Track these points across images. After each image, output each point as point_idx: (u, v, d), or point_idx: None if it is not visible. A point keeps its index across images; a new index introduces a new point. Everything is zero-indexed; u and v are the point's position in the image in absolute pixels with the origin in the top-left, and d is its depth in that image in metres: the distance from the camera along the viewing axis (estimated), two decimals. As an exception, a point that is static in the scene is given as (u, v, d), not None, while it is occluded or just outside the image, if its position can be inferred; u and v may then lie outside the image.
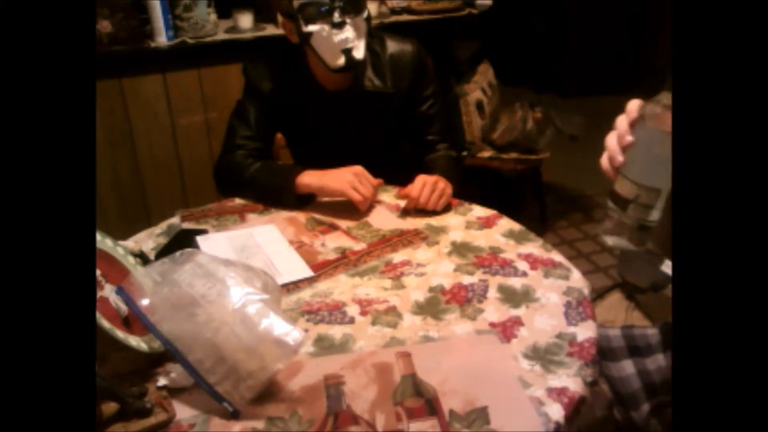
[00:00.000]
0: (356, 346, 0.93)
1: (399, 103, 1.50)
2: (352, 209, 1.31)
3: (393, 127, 1.54)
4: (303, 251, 1.19)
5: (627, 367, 1.10)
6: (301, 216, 1.33)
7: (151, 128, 2.31)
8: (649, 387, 1.07)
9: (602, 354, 1.13)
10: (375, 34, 1.49)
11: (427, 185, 1.31)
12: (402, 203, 1.35)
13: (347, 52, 1.35)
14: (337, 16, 1.32)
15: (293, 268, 1.14)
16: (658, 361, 1.07)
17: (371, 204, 1.35)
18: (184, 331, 0.83)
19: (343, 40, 1.34)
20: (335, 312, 1.01)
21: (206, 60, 2.30)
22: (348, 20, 1.33)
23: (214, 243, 1.21)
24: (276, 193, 1.37)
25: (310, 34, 1.34)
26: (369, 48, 1.43)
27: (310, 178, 1.33)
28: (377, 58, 1.48)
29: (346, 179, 1.30)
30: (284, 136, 1.62)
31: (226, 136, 1.51)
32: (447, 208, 1.34)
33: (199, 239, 1.22)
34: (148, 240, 1.26)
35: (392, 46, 1.49)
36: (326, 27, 1.33)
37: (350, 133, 1.50)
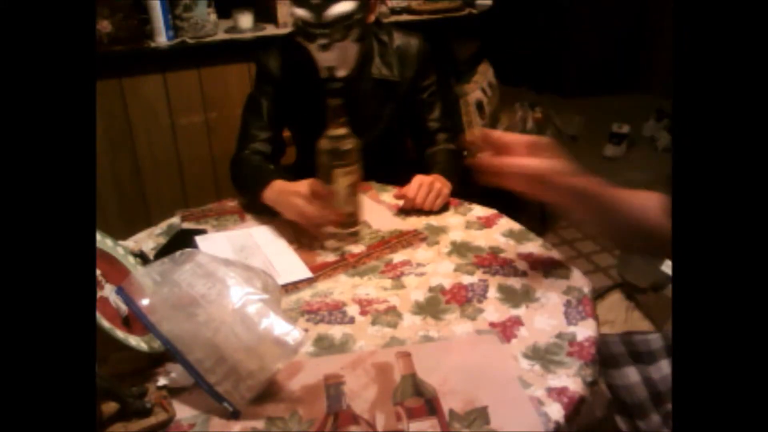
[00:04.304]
0: (356, 346, 0.93)
1: (404, 92, 1.52)
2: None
3: (398, 116, 1.55)
4: (302, 252, 1.19)
5: (631, 374, 1.09)
6: (301, 216, 1.33)
7: (151, 128, 2.30)
8: (656, 396, 1.06)
9: (603, 361, 1.13)
10: (383, 26, 1.53)
11: (423, 186, 1.31)
12: (401, 203, 1.35)
13: (330, 69, 1.39)
14: (322, 41, 1.34)
15: (292, 269, 1.14)
16: (662, 369, 1.06)
17: (370, 205, 1.35)
18: (184, 331, 0.83)
19: (327, 61, 1.38)
20: (335, 312, 1.01)
21: (206, 60, 2.30)
22: (333, 44, 1.35)
23: (213, 243, 1.21)
24: (255, 200, 1.33)
25: (303, 45, 1.38)
26: (377, 38, 1.49)
27: (270, 195, 1.27)
28: (384, 48, 1.50)
29: (295, 209, 1.20)
30: (291, 128, 1.62)
31: (240, 130, 1.51)
32: (444, 208, 1.34)
33: (198, 239, 1.22)
34: (148, 240, 1.26)
35: (399, 37, 1.52)
36: (313, 46, 1.37)
37: (356, 123, 1.50)
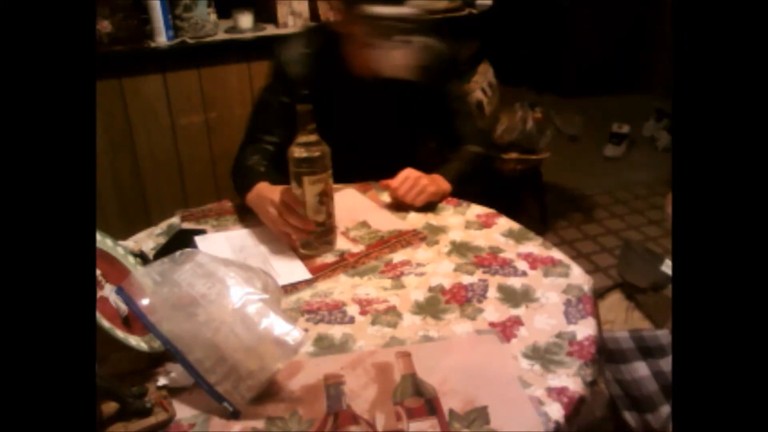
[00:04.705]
0: (356, 345, 0.93)
1: (425, 96, 1.48)
2: (349, 210, 1.31)
3: (416, 120, 1.51)
4: (301, 252, 1.19)
5: (640, 368, 1.09)
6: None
7: (151, 128, 2.30)
8: (667, 388, 1.06)
9: (611, 357, 1.12)
10: None
11: (408, 179, 1.32)
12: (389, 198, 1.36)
13: (404, 69, 1.33)
14: (400, 38, 1.27)
15: (292, 269, 1.14)
16: None
17: (370, 205, 1.34)
18: (184, 331, 0.83)
19: (396, 58, 1.31)
20: (335, 312, 1.01)
21: (206, 60, 2.30)
22: (408, 42, 1.29)
23: (213, 243, 1.21)
24: (242, 202, 1.33)
25: (369, 44, 1.30)
26: None
27: (252, 199, 1.27)
28: None
29: (267, 217, 1.22)
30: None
31: (246, 127, 1.48)
32: (432, 207, 1.34)
33: (198, 239, 1.22)
34: (148, 240, 1.26)
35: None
36: (387, 45, 1.28)
37: (374, 124, 1.46)
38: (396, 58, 1.31)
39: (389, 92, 1.45)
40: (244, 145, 1.46)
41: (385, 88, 1.42)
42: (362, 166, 1.43)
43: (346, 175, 1.41)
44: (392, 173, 1.35)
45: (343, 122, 1.45)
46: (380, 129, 1.48)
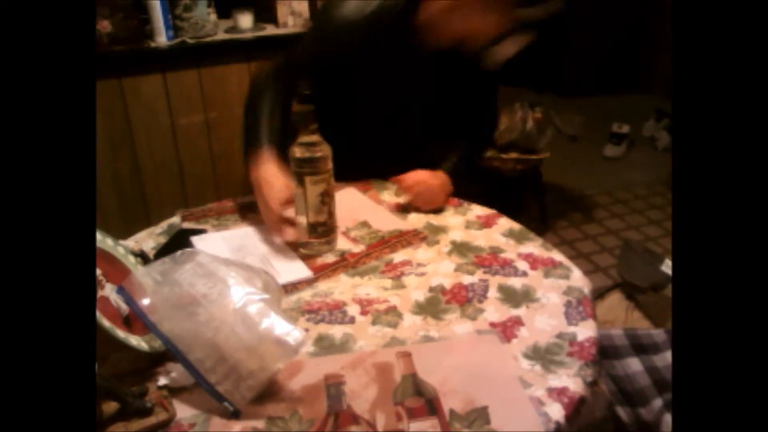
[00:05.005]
0: (357, 345, 0.93)
1: (483, 77, 1.44)
2: (349, 210, 1.32)
3: (453, 103, 1.45)
4: (301, 253, 1.19)
5: (633, 364, 1.10)
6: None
7: (151, 128, 2.31)
8: (660, 383, 1.07)
9: (605, 353, 1.13)
10: None
11: (420, 184, 1.32)
12: (401, 200, 1.36)
13: (502, 60, 1.32)
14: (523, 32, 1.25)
15: (292, 268, 1.14)
16: (667, 359, 1.08)
17: (370, 204, 1.34)
18: (185, 331, 0.83)
19: (507, 49, 1.30)
20: (335, 312, 1.01)
21: (206, 60, 2.30)
22: (526, 35, 1.27)
23: (211, 243, 1.21)
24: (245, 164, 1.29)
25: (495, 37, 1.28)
26: None
27: (253, 178, 1.24)
28: None
29: (264, 215, 1.22)
30: (333, 94, 1.39)
31: (283, 58, 1.40)
32: (438, 209, 1.34)
33: (195, 239, 1.22)
34: (148, 239, 1.26)
35: None
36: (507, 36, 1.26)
37: (417, 98, 1.40)
38: (507, 49, 1.30)
39: (443, 65, 1.38)
40: (273, 77, 1.37)
41: (446, 63, 1.36)
42: (380, 145, 1.40)
43: (359, 158, 1.38)
44: (406, 157, 1.33)
45: (383, 92, 1.39)
46: (419, 105, 1.41)
